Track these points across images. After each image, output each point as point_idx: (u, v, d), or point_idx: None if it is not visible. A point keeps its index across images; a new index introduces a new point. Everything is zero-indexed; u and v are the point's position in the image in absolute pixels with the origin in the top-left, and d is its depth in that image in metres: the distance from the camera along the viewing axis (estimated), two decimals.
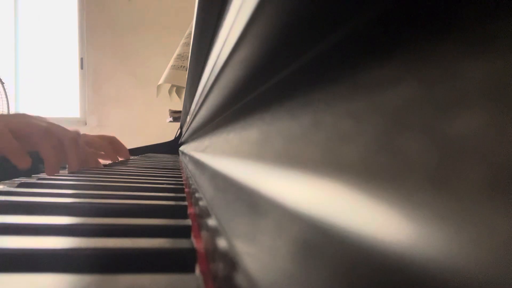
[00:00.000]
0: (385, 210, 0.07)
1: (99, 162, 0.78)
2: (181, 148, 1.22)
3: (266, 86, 0.21)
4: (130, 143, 1.01)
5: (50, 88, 3.07)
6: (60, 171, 0.60)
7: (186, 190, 0.43)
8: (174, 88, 1.56)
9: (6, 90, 2.51)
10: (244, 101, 0.27)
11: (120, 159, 0.95)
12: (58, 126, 0.63)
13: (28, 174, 0.55)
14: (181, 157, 1.04)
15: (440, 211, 0.06)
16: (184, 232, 0.25)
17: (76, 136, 0.63)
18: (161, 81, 1.56)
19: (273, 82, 0.19)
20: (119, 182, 0.48)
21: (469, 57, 0.07)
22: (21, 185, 0.42)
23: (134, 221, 0.27)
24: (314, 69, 0.15)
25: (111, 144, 0.92)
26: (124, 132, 2.54)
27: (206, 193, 0.26)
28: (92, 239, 0.22)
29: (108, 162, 0.89)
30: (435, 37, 0.08)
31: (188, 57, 0.65)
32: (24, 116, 0.62)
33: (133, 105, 2.98)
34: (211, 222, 0.18)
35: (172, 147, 1.51)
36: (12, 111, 2.55)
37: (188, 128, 0.87)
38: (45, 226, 0.25)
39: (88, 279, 0.17)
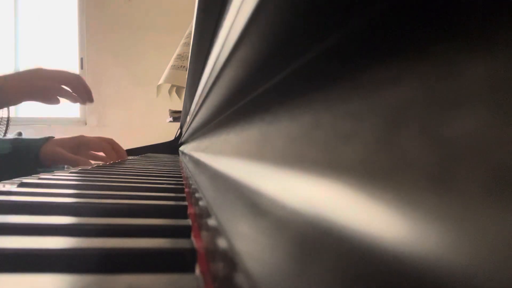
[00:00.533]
0: (385, 210, 0.07)
1: (91, 163, 0.81)
2: (181, 148, 1.22)
3: (266, 86, 0.21)
4: (130, 143, 1.01)
5: None
6: (60, 172, 0.60)
7: (186, 190, 0.43)
8: (174, 88, 1.56)
9: None
10: (244, 101, 0.27)
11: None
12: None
13: (28, 174, 0.55)
14: (181, 157, 1.04)
15: (440, 211, 0.06)
16: (184, 232, 0.25)
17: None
18: (161, 81, 1.56)
19: (273, 82, 0.19)
20: (119, 182, 0.48)
21: (469, 57, 0.07)
22: (21, 185, 0.42)
23: (134, 221, 0.27)
24: (314, 69, 0.15)
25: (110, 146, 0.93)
26: (124, 132, 2.54)
27: (206, 193, 0.26)
28: (92, 239, 0.22)
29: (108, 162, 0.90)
30: (433, 37, 0.08)
31: (188, 57, 0.65)
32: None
33: (133, 105, 2.98)
34: (211, 222, 0.18)
35: (172, 147, 1.51)
36: (12, 111, 2.55)
37: (188, 128, 0.87)
38: (45, 226, 0.25)
39: (88, 279, 0.17)
